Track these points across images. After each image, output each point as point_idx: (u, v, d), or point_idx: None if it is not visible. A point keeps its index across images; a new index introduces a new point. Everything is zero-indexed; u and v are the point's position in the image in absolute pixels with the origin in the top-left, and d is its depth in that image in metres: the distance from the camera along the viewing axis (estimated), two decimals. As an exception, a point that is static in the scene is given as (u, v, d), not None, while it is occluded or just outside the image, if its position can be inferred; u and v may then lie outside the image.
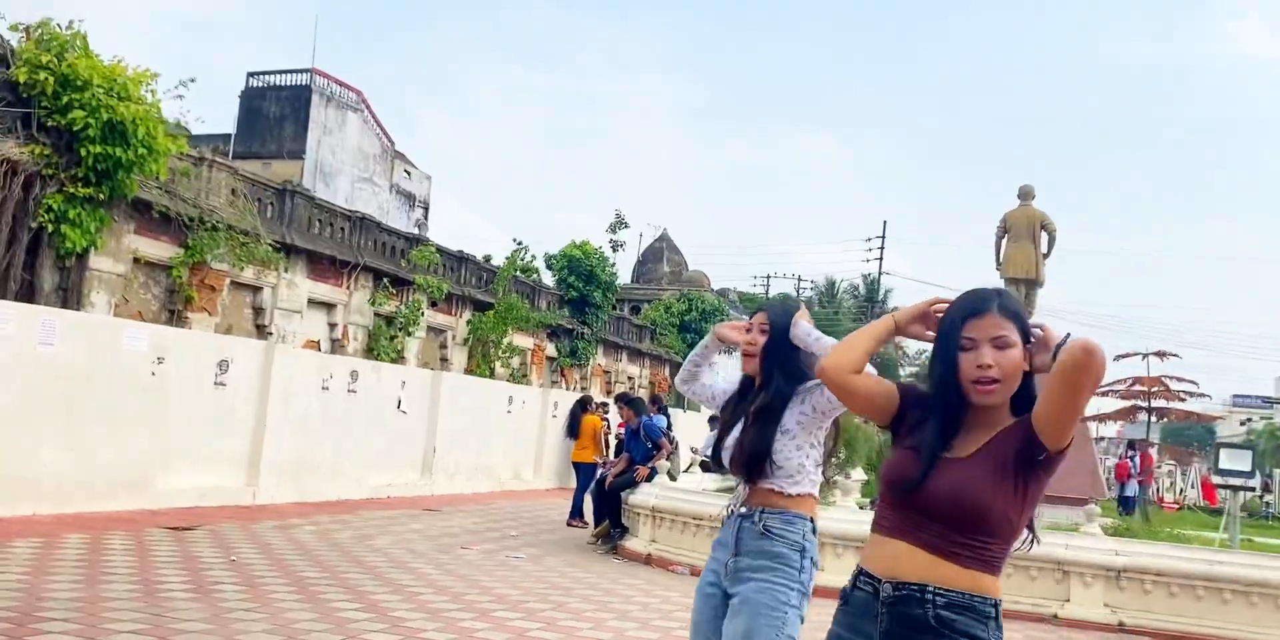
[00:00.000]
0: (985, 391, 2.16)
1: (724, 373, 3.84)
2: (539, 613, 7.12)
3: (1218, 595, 7.92)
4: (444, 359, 22.37)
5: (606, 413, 20.16)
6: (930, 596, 2.12)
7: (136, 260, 14.44)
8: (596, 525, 11.36)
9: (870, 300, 54.33)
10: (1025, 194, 17.37)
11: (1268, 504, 28.15)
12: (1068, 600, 8.25)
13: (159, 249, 14.72)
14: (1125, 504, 19.41)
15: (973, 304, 2.22)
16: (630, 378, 32.25)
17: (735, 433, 3.19)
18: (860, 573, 2.26)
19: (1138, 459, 19.87)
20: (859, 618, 2.22)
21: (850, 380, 2.36)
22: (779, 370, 3.14)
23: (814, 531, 3.09)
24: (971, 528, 2.13)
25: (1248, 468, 10.35)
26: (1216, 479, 11.54)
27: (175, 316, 15.10)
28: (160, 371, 11.20)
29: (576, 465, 14.19)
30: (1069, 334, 2.12)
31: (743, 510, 3.09)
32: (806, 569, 3.03)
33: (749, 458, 3.06)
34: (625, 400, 11.57)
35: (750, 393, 3.26)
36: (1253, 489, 17.02)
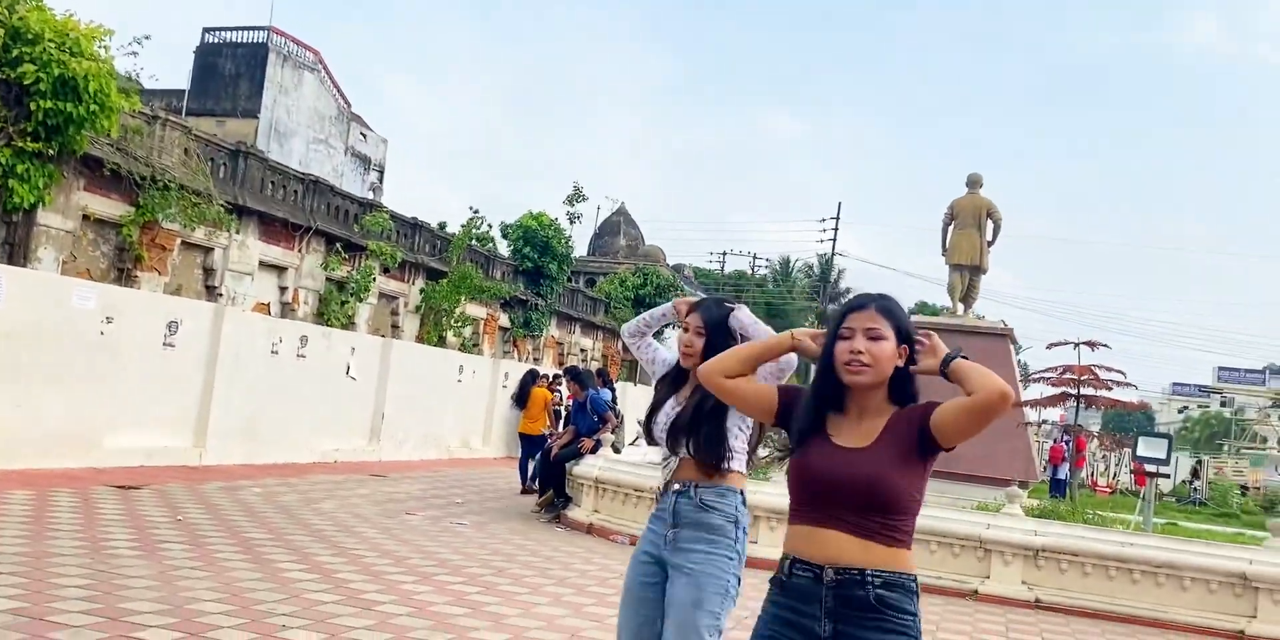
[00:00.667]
0: (853, 372, 2.47)
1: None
2: (479, 577, 7.33)
3: (1128, 575, 8.33)
4: (395, 326, 22.39)
5: (557, 385, 20.40)
6: (869, 578, 2.37)
7: (86, 217, 14.33)
8: (541, 495, 11.58)
9: (824, 279, 54.88)
10: (973, 182, 17.64)
11: (1195, 489, 29.09)
12: (988, 577, 8.62)
13: (109, 207, 14.60)
14: (1057, 486, 20.04)
15: (857, 301, 2.60)
16: (583, 350, 32.44)
17: (666, 408, 3.40)
18: (794, 561, 2.46)
19: (1072, 444, 20.51)
20: (799, 601, 2.44)
21: (724, 383, 2.70)
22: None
23: (744, 502, 3.35)
24: (888, 510, 2.39)
25: (1163, 455, 10.81)
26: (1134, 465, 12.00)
27: (124, 276, 15.02)
28: (109, 331, 11.19)
29: (524, 436, 14.38)
30: (960, 349, 2.44)
31: (678, 486, 3.31)
32: (740, 539, 3.29)
33: (708, 451, 3.27)
34: (572, 374, 11.76)
35: (683, 379, 3.45)
36: (1167, 475, 17.72)
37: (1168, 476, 18.52)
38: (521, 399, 14.32)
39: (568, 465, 11.01)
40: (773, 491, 9.32)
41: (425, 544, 8.57)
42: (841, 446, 2.47)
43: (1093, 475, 31.40)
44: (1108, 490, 26.98)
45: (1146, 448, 10.66)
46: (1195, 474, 31.48)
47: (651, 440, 3.49)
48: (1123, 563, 8.30)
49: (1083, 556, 8.43)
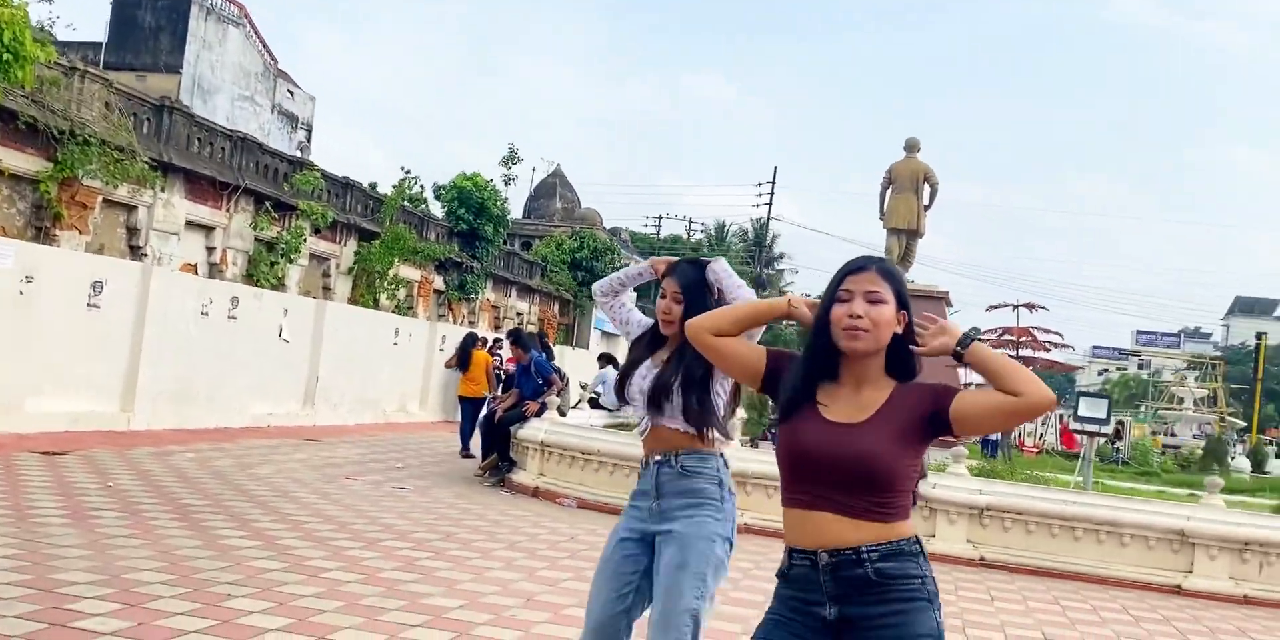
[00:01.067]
0: (851, 337, 2.31)
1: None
2: (427, 542, 7.17)
3: (1070, 533, 8.46)
4: (327, 288, 21.87)
5: (497, 349, 20.17)
6: (865, 555, 2.27)
7: (0, 173, 13.64)
8: (484, 459, 11.41)
9: (758, 244, 55.09)
10: (910, 146, 17.71)
11: (1118, 449, 29.93)
12: (933, 536, 8.69)
13: (25, 161, 13.92)
14: (989, 447, 20.40)
15: (856, 262, 2.42)
16: (519, 314, 32.13)
17: (641, 371, 3.26)
18: (792, 552, 2.36)
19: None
20: (802, 590, 2.34)
21: (710, 341, 2.53)
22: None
23: (726, 465, 3.25)
24: (881, 490, 2.28)
25: (1103, 415, 11.02)
26: (1075, 425, 12.23)
27: (42, 234, 14.37)
28: (29, 290, 10.69)
29: (466, 399, 14.16)
30: (977, 329, 2.29)
31: (658, 457, 3.18)
32: (728, 499, 3.19)
33: (698, 418, 3.14)
34: (515, 338, 11.55)
35: (660, 340, 3.31)
36: (1107, 435, 18.19)
37: (1107, 436, 19.01)
38: (464, 362, 14.06)
39: (512, 428, 10.85)
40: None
41: (368, 509, 8.37)
42: (834, 422, 2.34)
43: (1020, 435, 32.12)
44: (1034, 450, 27.60)
45: (1088, 408, 10.86)
46: (1118, 434, 32.37)
47: (624, 401, 3.34)
48: (1065, 521, 8.43)
49: (1026, 515, 8.55)
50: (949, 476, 8.98)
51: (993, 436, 20.36)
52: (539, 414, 10.77)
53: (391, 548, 6.82)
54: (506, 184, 29.94)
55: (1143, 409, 56.08)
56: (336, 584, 5.60)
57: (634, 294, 4.17)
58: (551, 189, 39.70)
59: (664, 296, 3.25)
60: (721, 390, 3.21)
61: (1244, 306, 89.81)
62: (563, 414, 11.14)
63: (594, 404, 13.69)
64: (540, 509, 9.52)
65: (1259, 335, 47.74)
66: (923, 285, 17.58)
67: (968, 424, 2.31)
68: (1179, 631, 6.94)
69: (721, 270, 3.20)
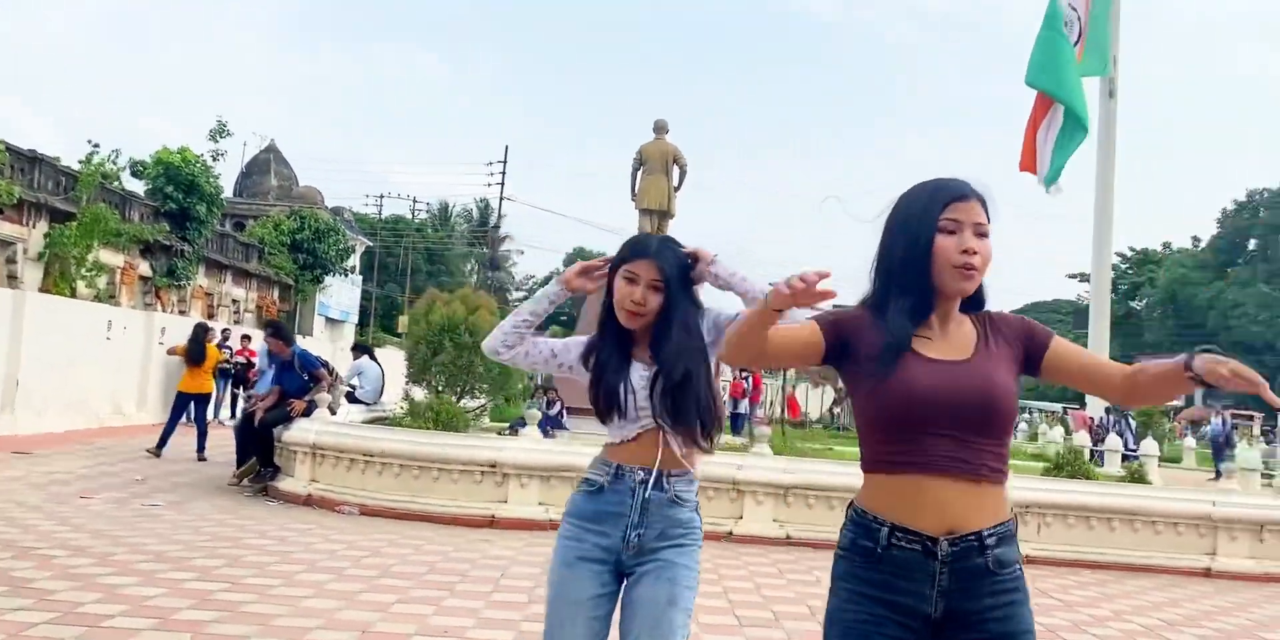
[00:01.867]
0: (967, 276, 2.04)
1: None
2: (214, 570, 6.22)
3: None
4: (13, 276, 19.16)
5: (226, 343, 18.48)
6: (987, 540, 1.98)
7: None
8: (239, 465, 10.27)
9: (484, 224, 54.34)
10: (659, 128, 17.81)
11: (836, 416, 31.94)
12: (741, 517, 8.65)
13: None
14: (735, 421, 21.04)
15: (955, 188, 2.09)
16: (235, 301, 29.77)
17: (635, 379, 2.69)
18: (893, 528, 1.99)
19: (750, 379, 21.62)
20: (900, 577, 1.98)
21: (757, 360, 2.12)
22: (681, 334, 2.68)
23: None
24: (1003, 431, 2.05)
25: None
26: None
27: None
28: None
29: (191, 396, 12.80)
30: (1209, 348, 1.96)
31: (641, 475, 2.66)
32: (700, 524, 2.76)
33: (709, 428, 2.67)
34: (275, 330, 10.43)
35: (628, 341, 2.76)
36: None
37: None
38: (199, 355, 12.66)
39: (276, 431, 9.80)
40: (521, 445, 8.85)
41: (124, 534, 7.21)
42: (943, 360, 2.02)
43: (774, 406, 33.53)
44: (764, 421, 28.89)
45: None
46: (836, 402, 34.56)
47: (610, 417, 2.72)
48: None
49: (830, 491, 8.65)
50: (754, 457, 8.96)
51: (740, 410, 21.01)
52: (307, 413, 9.79)
53: (175, 580, 5.85)
54: (215, 160, 27.51)
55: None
56: (128, 635, 4.67)
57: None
58: (265, 165, 37.00)
59: (632, 282, 2.67)
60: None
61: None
62: (334, 412, 10.19)
63: (350, 398, 12.70)
64: (320, 519, 8.63)
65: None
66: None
67: (1054, 372, 2.12)
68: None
69: (731, 271, 2.69)
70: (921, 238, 2.04)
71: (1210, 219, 60.76)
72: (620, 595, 2.70)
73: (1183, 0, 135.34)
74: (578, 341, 2.88)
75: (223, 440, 13.08)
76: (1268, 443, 30.73)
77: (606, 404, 2.67)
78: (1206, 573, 8.66)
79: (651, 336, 2.71)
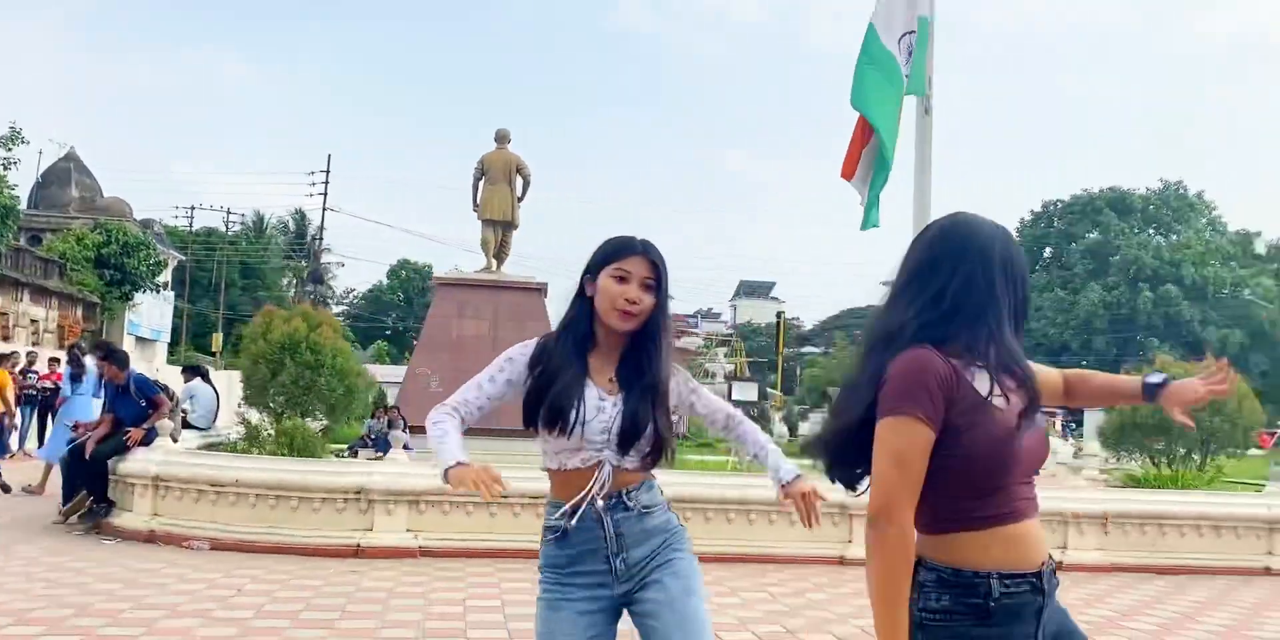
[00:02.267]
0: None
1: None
2: (66, 622, 5.64)
3: (745, 516, 8.73)
4: None
5: (30, 367, 17.08)
6: (1054, 564, 2.01)
7: None
8: (66, 501, 9.42)
9: (300, 236, 52.39)
10: (501, 137, 17.54)
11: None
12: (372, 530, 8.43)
13: None
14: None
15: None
16: (34, 321, 27.58)
17: (593, 401, 2.56)
18: (999, 577, 1.87)
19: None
20: (1012, 626, 1.88)
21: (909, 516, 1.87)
22: (662, 338, 2.58)
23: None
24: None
25: (755, 398, 11.60)
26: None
27: None
28: None
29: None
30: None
31: (601, 503, 2.51)
32: (674, 516, 2.71)
33: (663, 454, 2.59)
34: (108, 353, 9.61)
35: (586, 350, 2.60)
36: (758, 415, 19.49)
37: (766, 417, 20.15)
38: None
39: (110, 462, 9.04)
40: (388, 470, 8.47)
41: (-54, 587, 6.47)
42: (1010, 410, 1.94)
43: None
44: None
45: (740, 392, 11.36)
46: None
47: (561, 434, 2.55)
48: (742, 504, 8.66)
49: (703, 503, 8.63)
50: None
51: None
52: (146, 442, 9.08)
53: (20, 636, 5.26)
54: (7, 169, 25.46)
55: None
56: (-16, 706, 4.15)
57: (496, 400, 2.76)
58: (65, 174, 34.43)
59: (624, 280, 2.51)
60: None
61: (748, 289, 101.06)
62: (175, 440, 9.48)
63: (185, 423, 11.89)
64: (169, 556, 7.99)
65: (778, 314, 54.06)
66: (519, 277, 17.45)
67: (1063, 393, 2.43)
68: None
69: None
70: (1021, 288, 2.06)
71: (1012, 229, 64.83)
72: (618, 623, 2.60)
73: (989, 22, 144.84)
74: (514, 361, 2.61)
75: (28, 471, 12.26)
76: (1063, 438, 32.85)
77: (549, 420, 2.50)
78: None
79: (621, 355, 2.59)
